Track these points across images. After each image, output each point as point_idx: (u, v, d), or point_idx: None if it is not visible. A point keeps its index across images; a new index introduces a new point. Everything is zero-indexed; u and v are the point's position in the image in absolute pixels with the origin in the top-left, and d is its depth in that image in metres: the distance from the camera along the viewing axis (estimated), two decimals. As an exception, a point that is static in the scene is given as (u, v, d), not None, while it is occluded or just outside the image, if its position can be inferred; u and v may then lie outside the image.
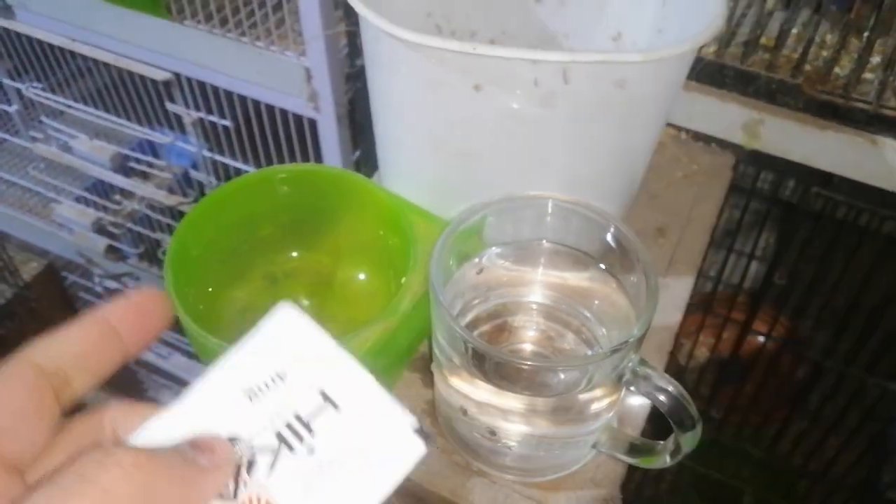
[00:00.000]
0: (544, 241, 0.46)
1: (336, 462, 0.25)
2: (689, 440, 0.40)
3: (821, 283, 0.80)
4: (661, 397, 0.39)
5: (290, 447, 0.25)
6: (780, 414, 0.95)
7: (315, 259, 0.55)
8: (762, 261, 0.91)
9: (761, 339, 0.89)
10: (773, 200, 0.80)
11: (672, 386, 0.39)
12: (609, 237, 0.43)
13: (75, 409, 0.25)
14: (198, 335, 0.42)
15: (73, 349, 0.25)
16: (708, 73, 0.67)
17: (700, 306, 0.92)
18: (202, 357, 0.46)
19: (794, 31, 0.68)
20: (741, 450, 0.95)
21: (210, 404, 0.26)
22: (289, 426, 0.25)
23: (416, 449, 0.25)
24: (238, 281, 0.53)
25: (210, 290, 0.51)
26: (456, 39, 0.59)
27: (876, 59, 0.66)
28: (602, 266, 0.44)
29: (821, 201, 0.72)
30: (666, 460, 0.42)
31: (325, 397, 0.26)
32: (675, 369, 0.91)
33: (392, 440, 0.25)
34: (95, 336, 0.25)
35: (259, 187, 0.51)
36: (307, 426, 0.25)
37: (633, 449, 0.44)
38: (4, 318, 1.38)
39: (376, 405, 0.26)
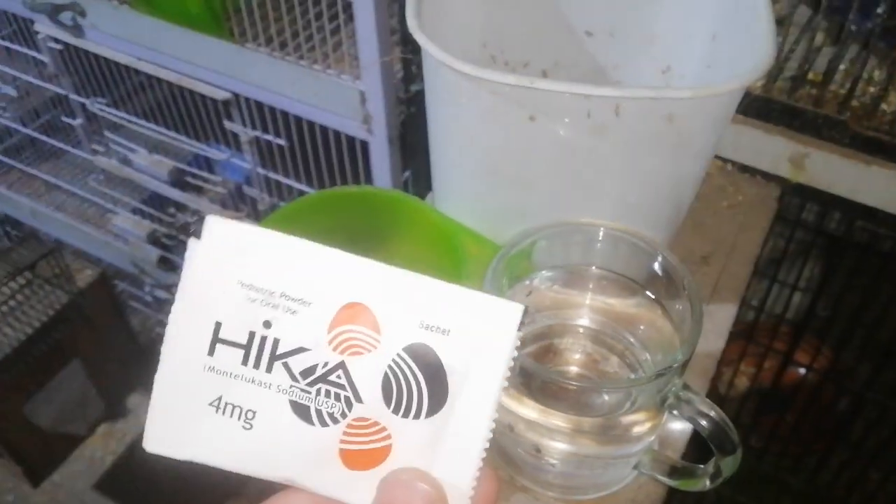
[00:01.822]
0: (593, 267, 0.47)
1: None
2: (729, 465, 0.41)
3: (864, 316, 0.80)
4: (703, 422, 0.40)
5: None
6: (821, 445, 0.95)
7: (369, 277, 0.57)
8: (806, 292, 0.91)
9: (802, 370, 0.89)
10: (817, 232, 0.81)
11: (714, 411, 0.40)
12: (656, 265, 0.44)
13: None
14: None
15: None
16: (755, 106, 0.68)
17: (742, 335, 0.92)
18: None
19: (842, 67, 0.69)
20: (781, 480, 0.95)
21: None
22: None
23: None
24: (295, 296, 0.55)
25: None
26: (510, 70, 0.61)
27: (923, 97, 0.67)
28: (648, 293, 0.46)
29: (865, 234, 0.73)
30: (706, 484, 0.43)
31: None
32: (715, 398, 0.91)
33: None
34: None
35: (321, 206, 0.54)
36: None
37: (674, 471, 0.46)
38: (59, 323, 1.43)
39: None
